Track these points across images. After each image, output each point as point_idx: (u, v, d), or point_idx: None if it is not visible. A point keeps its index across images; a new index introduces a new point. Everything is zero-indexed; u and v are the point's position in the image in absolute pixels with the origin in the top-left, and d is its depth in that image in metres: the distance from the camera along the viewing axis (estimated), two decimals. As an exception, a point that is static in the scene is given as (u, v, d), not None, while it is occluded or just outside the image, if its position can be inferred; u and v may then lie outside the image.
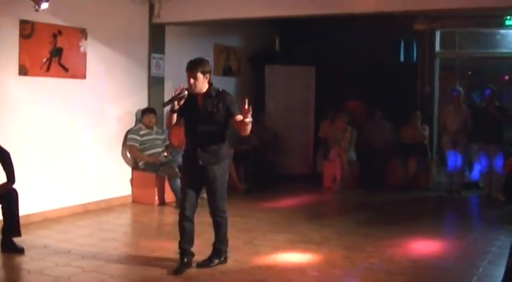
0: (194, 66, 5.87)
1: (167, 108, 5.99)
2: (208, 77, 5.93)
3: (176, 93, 5.84)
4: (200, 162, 5.92)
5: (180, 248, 6.15)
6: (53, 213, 8.41)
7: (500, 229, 8.23)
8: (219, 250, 6.26)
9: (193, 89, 5.85)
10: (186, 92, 5.84)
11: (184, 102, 5.86)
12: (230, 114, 5.93)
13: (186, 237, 6.12)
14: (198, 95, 5.93)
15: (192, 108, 5.93)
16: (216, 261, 6.23)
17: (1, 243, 6.68)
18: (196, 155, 5.93)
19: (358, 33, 12.56)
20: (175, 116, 5.91)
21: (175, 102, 5.83)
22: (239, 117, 5.80)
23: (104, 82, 9.23)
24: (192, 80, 5.84)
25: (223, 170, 6.07)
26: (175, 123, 6.02)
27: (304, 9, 8.82)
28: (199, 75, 5.84)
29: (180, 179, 6.32)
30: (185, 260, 6.12)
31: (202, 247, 6.37)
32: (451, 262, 6.70)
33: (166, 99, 10.20)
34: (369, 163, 11.79)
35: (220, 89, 6.05)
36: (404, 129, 11.78)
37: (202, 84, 5.89)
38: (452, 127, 10.99)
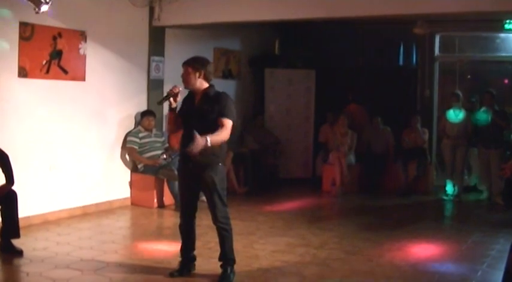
0: (186, 61, 5.89)
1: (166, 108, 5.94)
2: (201, 75, 5.83)
3: (170, 90, 5.87)
4: (193, 164, 5.75)
5: (180, 250, 6.12)
6: (53, 215, 8.41)
7: (500, 233, 8.23)
8: (226, 261, 6.02)
9: (184, 83, 5.85)
10: (180, 88, 5.84)
11: (183, 100, 5.88)
12: (220, 115, 5.74)
13: (186, 242, 6.09)
14: (196, 93, 5.87)
15: (189, 106, 5.91)
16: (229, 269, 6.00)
17: (0, 246, 6.67)
18: (189, 157, 5.73)
19: (358, 37, 12.59)
20: (175, 116, 5.91)
21: (172, 100, 5.82)
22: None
23: (103, 84, 9.23)
24: (182, 73, 5.86)
25: (221, 176, 5.87)
26: (178, 127, 5.99)
27: (304, 12, 8.82)
28: (189, 70, 5.81)
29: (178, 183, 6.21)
30: (185, 262, 6.09)
31: (202, 250, 6.39)
32: (450, 266, 6.70)
33: (166, 102, 10.28)
34: (368, 167, 11.81)
35: (221, 91, 5.96)
36: (405, 133, 11.77)
37: (193, 79, 5.81)
38: (452, 132, 10.99)
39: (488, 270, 6.48)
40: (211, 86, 5.92)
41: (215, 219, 5.87)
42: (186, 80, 5.85)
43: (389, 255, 7.10)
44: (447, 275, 6.39)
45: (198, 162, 5.72)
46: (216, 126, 5.71)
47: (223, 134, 5.70)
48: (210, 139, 5.50)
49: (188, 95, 5.97)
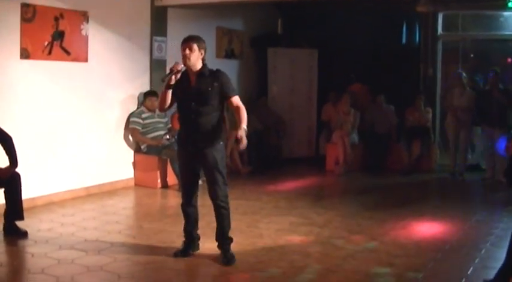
0: (190, 39, 5.76)
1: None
2: (203, 54, 5.76)
3: (172, 67, 5.73)
4: (192, 146, 5.76)
5: (184, 230, 6.11)
6: (57, 196, 8.44)
7: (503, 211, 8.24)
8: (224, 241, 6.01)
9: (188, 61, 5.68)
10: (182, 66, 5.71)
11: (176, 82, 5.72)
12: (225, 95, 5.77)
13: (189, 222, 6.08)
14: (191, 74, 5.77)
15: (186, 87, 5.77)
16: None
17: (4, 227, 6.71)
18: (190, 138, 5.78)
19: (361, 16, 12.53)
20: (170, 94, 5.75)
21: (173, 77, 5.69)
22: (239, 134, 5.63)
23: (105, 65, 9.21)
24: (187, 51, 5.67)
25: (221, 154, 5.86)
26: (169, 105, 5.88)
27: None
28: (195, 47, 5.68)
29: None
30: (189, 242, 6.10)
31: (205, 229, 6.40)
32: (453, 244, 6.71)
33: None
34: (372, 146, 11.80)
35: (215, 69, 5.88)
36: (408, 112, 11.75)
37: (196, 58, 5.71)
38: (458, 109, 10.96)
39: (491, 248, 6.50)
40: (205, 65, 5.81)
41: (215, 197, 5.85)
42: (189, 58, 5.69)
43: (393, 233, 7.12)
44: (451, 253, 6.40)
45: (199, 141, 5.74)
46: (216, 106, 5.76)
47: (243, 110, 5.76)
48: (244, 125, 5.62)
49: (181, 76, 5.78)
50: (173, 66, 5.73)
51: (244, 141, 5.54)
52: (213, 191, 5.86)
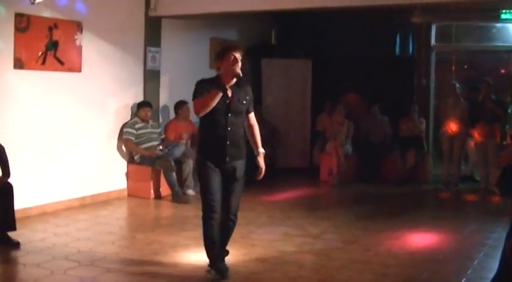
0: (238, 46, 5.63)
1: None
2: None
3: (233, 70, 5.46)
4: (228, 158, 5.58)
5: (212, 255, 5.75)
6: (51, 206, 8.41)
7: (497, 222, 8.25)
8: (225, 253, 5.93)
9: (235, 69, 5.44)
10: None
11: (207, 91, 5.45)
12: (248, 110, 5.70)
13: (216, 243, 5.71)
14: (226, 83, 5.52)
15: (223, 98, 5.46)
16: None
17: (-4, 238, 6.68)
18: (225, 150, 5.55)
19: (355, 26, 12.58)
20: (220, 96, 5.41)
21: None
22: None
23: (99, 75, 9.20)
24: (239, 56, 5.47)
25: (245, 166, 5.77)
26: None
27: (300, 2, 8.80)
28: (240, 55, 5.51)
29: (202, 176, 5.67)
30: (221, 265, 5.77)
31: (201, 241, 6.34)
32: (447, 254, 6.72)
33: (162, 93, 10.29)
34: (366, 157, 11.81)
35: (245, 82, 5.74)
36: (402, 122, 11.79)
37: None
38: (452, 120, 11.00)
39: (485, 259, 6.50)
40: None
41: (230, 211, 5.70)
42: (239, 67, 5.48)
43: (387, 243, 7.12)
44: (444, 263, 6.41)
45: (234, 153, 5.62)
46: (244, 118, 5.71)
47: (258, 130, 5.83)
48: (261, 149, 5.80)
49: (212, 83, 5.53)
50: (234, 71, 5.46)
51: (263, 169, 5.70)
52: (229, 204, 5.69)
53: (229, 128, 5.53)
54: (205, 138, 5.71)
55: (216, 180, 5.60)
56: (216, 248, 5.74)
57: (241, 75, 5.47)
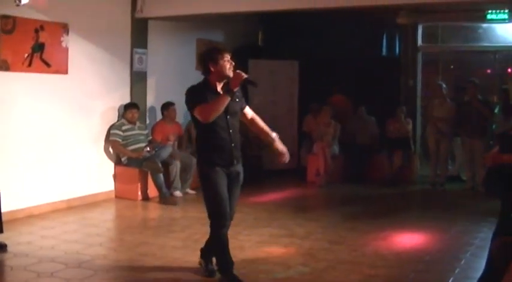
0: (226, 47, 5.57)
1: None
2: None
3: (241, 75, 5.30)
4: (235, 161, 5.47)
5: (224, 262, 5.61)
6: (37, 209, 8.38)
7: (483, 222, 8.28)
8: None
9: (230, 71, 5.36)
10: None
11: (203, 95, 5.33)
12: (242, 106, 5.62)
13: (227, 248, 5.60)
14: (218, 85, 5.43)
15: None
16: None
17: (-17, 241, 6.64)
18: (229, 154, 5.42)
19: (341, 27, 12.59)
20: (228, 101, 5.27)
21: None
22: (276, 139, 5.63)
23: (86, 77, 9.18)
24: (230, 59, 5.39)
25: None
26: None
27: (287, 3, 8.82)
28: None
29: (210, 183, 5.39)
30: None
31: (187, 242, 6.37)
32: (434, 255, 6.73)
33: (149, 94, 10.26)
34: (353, 157, 11.84)
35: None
36: (389, 123, 11.83)
37: None
38: (438, 121, 11.05)
39: (471, 259, 6.53)
40: None
41: (231, 217, 5.56)
42: (231, 69, 5.40)
43: (374, 244, 7.13)
44: (431, 263, 6.42)
45: (237, 157, 5.52)
46: (238, 120, 5.61)
47: (260, 118, 5.76)
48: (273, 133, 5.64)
49: (207, 87, 5.44)
50: (239, 75, 5.31)
51: (285, 150, 5.60)
52: (231, 209, 5.52)
53: (231, 130, 5.44)
54: (210, 143, 5.45)
55: (225, 186, 5.42)
56: (229, 255, 5.63)
57: (247, 77, 5.34)
